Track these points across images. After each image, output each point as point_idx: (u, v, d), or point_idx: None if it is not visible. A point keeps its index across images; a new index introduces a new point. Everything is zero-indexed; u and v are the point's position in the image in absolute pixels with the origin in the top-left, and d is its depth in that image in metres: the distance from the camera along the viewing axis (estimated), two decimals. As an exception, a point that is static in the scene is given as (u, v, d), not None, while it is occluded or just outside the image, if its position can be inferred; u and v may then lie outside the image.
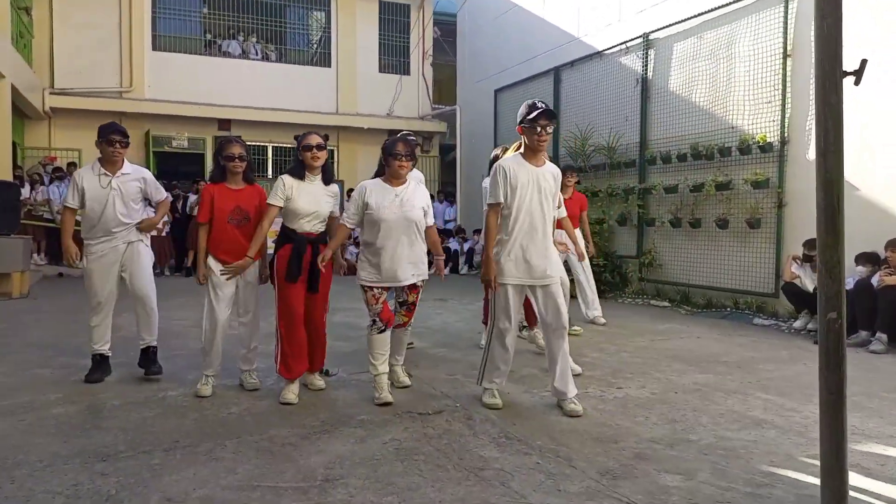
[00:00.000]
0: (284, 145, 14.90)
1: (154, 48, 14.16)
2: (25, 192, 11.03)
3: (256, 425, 3.60)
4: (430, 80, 16.45)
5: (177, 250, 12.13)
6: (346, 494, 2.72)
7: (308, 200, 4.15)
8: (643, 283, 9.49)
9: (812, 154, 7.15)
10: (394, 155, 4.03)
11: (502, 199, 3.89)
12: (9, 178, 9.69)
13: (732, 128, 8.05)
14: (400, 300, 4.28)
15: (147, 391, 4.25)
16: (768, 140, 7.58)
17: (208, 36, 14.98)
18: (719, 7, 8.15)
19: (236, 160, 4.23)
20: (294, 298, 4.09)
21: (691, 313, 8.17)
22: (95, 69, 13.47)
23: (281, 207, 4.17)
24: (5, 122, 9.64)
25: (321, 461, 3.08)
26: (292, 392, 4.09)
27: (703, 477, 2.95)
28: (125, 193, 4.46)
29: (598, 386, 4.51)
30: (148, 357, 4.58)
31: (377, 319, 4.10)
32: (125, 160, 4.54)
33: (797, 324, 6.88)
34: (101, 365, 4.55)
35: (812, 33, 1.87)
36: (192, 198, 11.95)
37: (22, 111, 12.32)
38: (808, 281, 6.80)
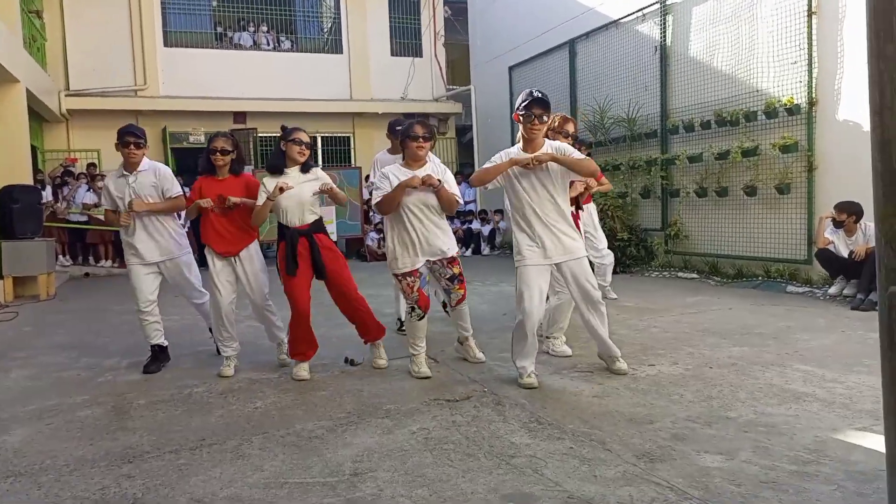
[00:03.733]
0: (300, 135, 14.88)
1: (166, 44, 14.15)
2: (47, 194, 11.09)
3: (282, 420, 3.54)
4: (443, 61, 16.21)
5: (198, 244, 12.15)
6: (375, 488, 2.64)
7: (287, 195, 4.15)
8: (669, 255, 9.29)
9: (843, 114, 6.95)
10: (411, 137, 4.10)
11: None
12: (29, 181, 9.74)
13: (757, 91, 7.79)
14: (447, 276, 4.29)
15: (172, 388, 4.22)
16: (795, 102, 7.32)
17: (219, 29, 14.91)
18: (738, -34, 7.88)
19: (217, 154, 4.38)
20: (297, 290, 4.20)
21: (721, 284, 7.98)
22: (109, 69, 13.49)
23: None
24: (22, 125, 9.68)
25: (349, 454, 3.00)
26: (303, 369, 4.31)
27: (745, 456, 2.83)
28: (140, 189, 4.53)
29: (628, 364, 4.37)
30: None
31: (416, 307, 4.22)
32: (145, 158, 4.62)
33: (832, 290, 6.67)
34: (157, 356, 4.76)
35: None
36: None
37: (39, 114, 12.39)
38: (843, 246, 6.59)
